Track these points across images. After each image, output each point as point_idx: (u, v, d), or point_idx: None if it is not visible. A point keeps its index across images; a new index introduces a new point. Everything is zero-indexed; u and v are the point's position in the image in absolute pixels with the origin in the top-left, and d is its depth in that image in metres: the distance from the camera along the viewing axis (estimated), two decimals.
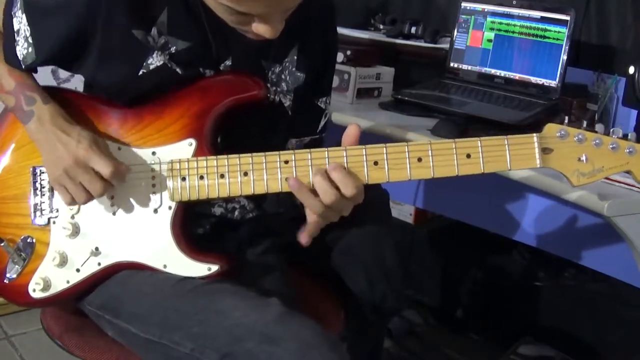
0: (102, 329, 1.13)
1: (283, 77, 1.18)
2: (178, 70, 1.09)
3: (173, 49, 1.08)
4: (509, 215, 1.87)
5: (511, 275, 2.12)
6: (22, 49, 1.08)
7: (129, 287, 1.07)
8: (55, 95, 1.10)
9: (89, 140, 1.02)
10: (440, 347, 2.14)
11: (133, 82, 1.08)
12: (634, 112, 1.52)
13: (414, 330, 2.20)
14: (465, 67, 1.84)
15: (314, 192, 0.97)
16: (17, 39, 1.08)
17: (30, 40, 1.07)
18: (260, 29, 0.95)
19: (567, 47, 1.64)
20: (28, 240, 1.10)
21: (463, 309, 2.27)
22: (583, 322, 1.94)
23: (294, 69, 1.19)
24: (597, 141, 0.98)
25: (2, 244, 1.11)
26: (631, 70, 1.43)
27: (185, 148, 1.05)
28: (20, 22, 1.07)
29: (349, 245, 1.28)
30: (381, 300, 1.27)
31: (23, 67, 1.09)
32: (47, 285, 1.09)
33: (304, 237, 1.02)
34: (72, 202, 1.06)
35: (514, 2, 1.74)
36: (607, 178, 1.28)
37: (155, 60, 1.08)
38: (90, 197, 1.04)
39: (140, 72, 1.08)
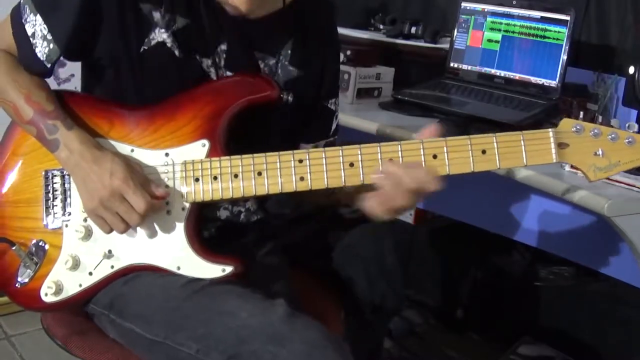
0: (102, 329, 1.13)
1: (275, 70, 1.18)
2: (176, 52, 1.09)
3: (175, 27, 1.08)
4: (509, 215, 1.87)
5: (511, 275, 2.12)
6: (43, 48, 1.08)
7: (136, 287, 1.07)
8: (67, 99, 1.10)
9: (123, 171, 1.01)
10: (440, 347, 2.14)
11: (134, 61, 1.08)
12: (634, 112, 1.52)
13: (414, 330, 2.20)
14: (465, 67, 1.84)
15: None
16: (33, 42, 1.08)
17: (49, 37, 1.07)
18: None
19: (567, 47, 1.64)
20: (40, 244, 1.10)
21: (463, 309, 2.27)
22: (583, 322, 1.94)
23: (286, 62, 1.19)
24: (612, 135, 0.97)
25: (14, 248, 1.10)
26: (631, 70, 1.43)
27: (199, 149, 1.05)
28: (35, 24, 1.07)
29: (349, 245, 1.28)
30: (381, 300, 1.27)
31: (48, 65, 1.09)
32: (59, 289, 1.08)
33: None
34: (111, 231, 1.05)
35: (514, 2, 1.74)
36: (607, 178, 1.28)
37: (157, 36, 1.08)
38: (128, 227, 1.03)
39: (142, 49, 1.08)
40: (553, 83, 1.67)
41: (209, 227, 1.18)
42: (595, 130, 0.98)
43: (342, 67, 1.79)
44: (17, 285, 1.11)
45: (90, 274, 1.08)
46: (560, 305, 2.00)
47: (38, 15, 1.07)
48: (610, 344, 1.88)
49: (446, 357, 2.10)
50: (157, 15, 1.07)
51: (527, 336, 1.99)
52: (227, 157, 1.03)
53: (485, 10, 1.79)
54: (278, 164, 1.00)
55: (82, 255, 1.08)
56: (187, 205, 1.05)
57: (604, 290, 1.86)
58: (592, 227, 1.67)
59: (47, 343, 1.19)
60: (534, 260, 2.04)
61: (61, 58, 1.11)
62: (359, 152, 0.99)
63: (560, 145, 0.98)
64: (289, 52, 1.19)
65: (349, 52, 1.80)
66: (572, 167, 1.31)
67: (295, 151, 1.00)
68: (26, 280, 1.10)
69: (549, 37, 1.67)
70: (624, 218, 1.23)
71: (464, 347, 2.13)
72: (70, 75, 2.08)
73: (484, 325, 2.17)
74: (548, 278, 2.00)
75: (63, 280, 1.08)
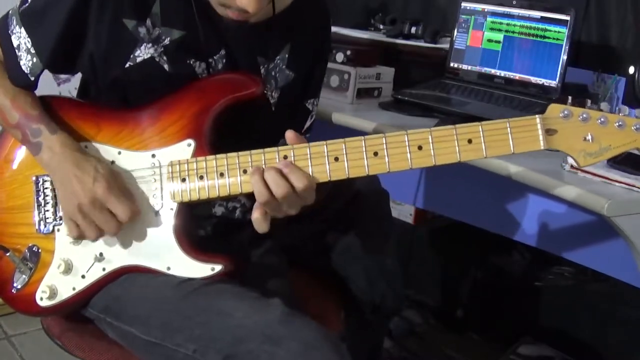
0: (102, 330, 1.13)
1: (273, 74, 1.19)
2: (165, 66, 1.09)
3: (167, 40, 1.08)
4: (509, 215, 1.87)
5: (511, 275, 2.12)
6: (27, 61, 1.09)
7: (131, 289, 1.07)
8: (55, 104, 1.10)
9: (107, 179, 1.02)
10: (440, 347, 2.14)
11: (121, 76, 1.08)
12: (634, 113, 1.52)
13: (414, 330, 2.20)
14: (465, 67, 1.84)
15: (267, 184, 0.97)
16: (18, 54, 1.09)
17: (32, 50, 1.08)
18: (244, 1, 0.97)
19: (567, 47, 1.64)
20: (34, 249, 1.10)
21: (463, 308, 2.27)
22: (583, 322, 1.94)
23: (284, 66, 1.20)
24: (602, 119, 0.94)
25: (8, 254, 1.10)
26: (631, 70, 1.43)
27: (185, 149, 1.05)
28: (20, 36, 1.08)
29: (349, 245, 1.28)
30: (381, 300, 1.27)
31: (32, 79, 1.10)
32: (53, 293, 1.08)
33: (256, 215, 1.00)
34: (80, 237, 1.05)
35: (514, 2, 1.74)
36: (607, 178, 1.28)
37: (142, 53, 1.08)
38: (101, 235, 1.04)
39: (127, 65, 1.08)
40: (553, 83, 1.67)
41: (205, 225, 1.18)
42: (584, 115, 0.95)
43: (342, 67, 1.79)
44: (13, 290, 1.11)
45: (83, 277, 1.08)
46: (560, 305, 2.00)
47: (23, 29, 1.08)
48: (610, 344, 1.88)
49: (446, 357, 2.10)
50: (142, 31, 1.07)
51: (527, 336, 1.99)
52: (213, 157, 1.02)
53: (485, 10, 1.79)
54: (263, 161, 1.00)
55: (74, 258, 1.08)
56: (175, 205, 1.05)
57: (604, 290, 1.86)
58: (592, 227, 1.67)
59: (47, 343, 1.19)
60: (534, 260, 2.04)
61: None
62: (344, 146, 0.98)
63: (548, 132, 0.95)
64: (286, 56, 1.19)
65: (349, 52, 1.80)
66: (572, 167, 1.31)
67: (279, 147, 0.99)
68: (21, 285, 1.10)
69: (549, 37, 1.67)
70: (624, 218, 1.23)
71: (464, 347, 2.13)
72: (70, 75, 2.08)
73: (484, 325, 2.17)
74: (548, 278, 2.00)
75: (57, 285, 1.08)
